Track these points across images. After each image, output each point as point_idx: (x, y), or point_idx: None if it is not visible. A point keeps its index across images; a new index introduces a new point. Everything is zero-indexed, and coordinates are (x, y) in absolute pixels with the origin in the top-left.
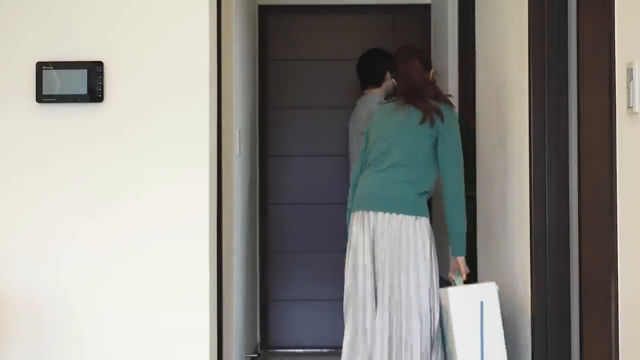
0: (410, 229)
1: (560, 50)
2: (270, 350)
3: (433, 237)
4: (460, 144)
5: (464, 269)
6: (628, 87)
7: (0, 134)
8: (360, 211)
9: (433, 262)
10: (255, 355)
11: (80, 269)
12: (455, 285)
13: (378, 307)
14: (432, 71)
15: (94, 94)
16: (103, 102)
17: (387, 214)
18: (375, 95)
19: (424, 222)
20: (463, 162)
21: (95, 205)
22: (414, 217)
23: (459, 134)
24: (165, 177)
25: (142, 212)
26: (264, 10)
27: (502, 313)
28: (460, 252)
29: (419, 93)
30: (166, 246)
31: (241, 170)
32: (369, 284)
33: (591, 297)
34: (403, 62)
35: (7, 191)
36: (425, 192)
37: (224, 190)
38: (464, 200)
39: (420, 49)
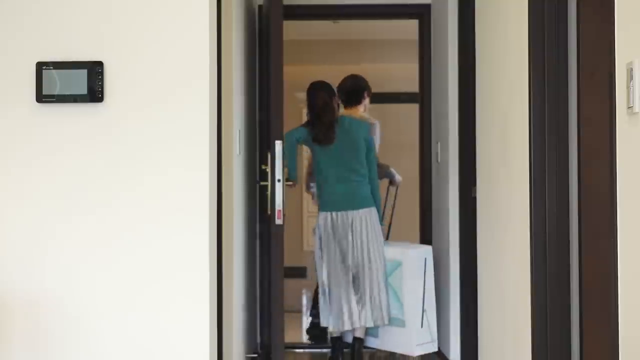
0: None
1: (560, 50)
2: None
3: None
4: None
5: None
6: (628, 87)
7: (0, 133)
8: None
9: None
10: (255, 355)
11: (79, 268)
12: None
13: None
14: None
15: (94, 94)
16: (103, 102)
17: None
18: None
19: None
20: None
21: (96, 205)
22: None
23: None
24: (165, 176)
25: (142, 212)
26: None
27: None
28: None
29: None
30: (165, 245)
31: (241, 170)
32: None
33: (591, 297)
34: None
35: (7, 191)
36: None
37: (224, 190)
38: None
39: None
